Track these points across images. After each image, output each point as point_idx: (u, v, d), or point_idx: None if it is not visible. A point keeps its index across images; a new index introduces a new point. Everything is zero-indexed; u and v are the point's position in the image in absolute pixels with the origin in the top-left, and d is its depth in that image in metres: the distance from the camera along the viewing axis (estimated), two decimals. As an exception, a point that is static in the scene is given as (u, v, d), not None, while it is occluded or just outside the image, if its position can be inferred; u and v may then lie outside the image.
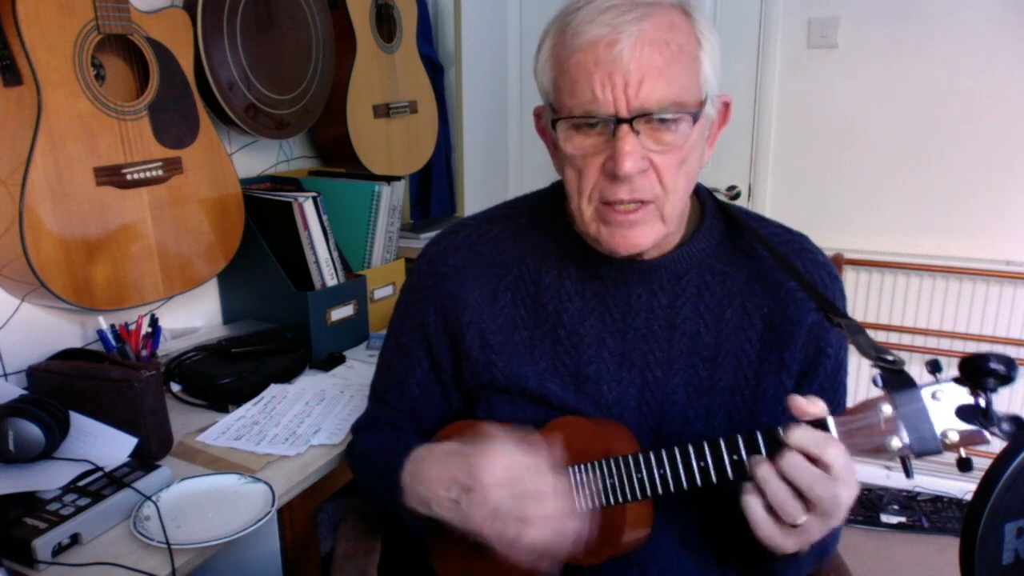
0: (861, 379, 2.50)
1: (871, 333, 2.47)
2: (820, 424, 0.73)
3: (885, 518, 2.38)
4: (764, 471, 0.72)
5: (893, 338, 2.50)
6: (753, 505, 0.73)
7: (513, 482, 0.78)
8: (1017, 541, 0.68)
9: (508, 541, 0.78)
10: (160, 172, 1.41)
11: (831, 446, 0.70)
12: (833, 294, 0.93)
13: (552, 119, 0.84)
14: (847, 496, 0.71)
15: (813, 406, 0.74)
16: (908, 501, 2.46)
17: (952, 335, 2.41)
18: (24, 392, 1.21)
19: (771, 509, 0.72)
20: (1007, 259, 2.33)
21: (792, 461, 0.71)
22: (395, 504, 0.90)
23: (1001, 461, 0.66)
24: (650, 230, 0.85)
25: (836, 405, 0.95)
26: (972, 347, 2.41)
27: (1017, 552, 0.68)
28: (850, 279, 2.49)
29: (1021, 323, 2.34)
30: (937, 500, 2.47)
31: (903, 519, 2.38)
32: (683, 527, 0.92)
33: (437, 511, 0.85)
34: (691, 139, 0.82)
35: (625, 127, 0.78)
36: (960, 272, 2.36)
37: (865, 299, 2.51)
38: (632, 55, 0.77)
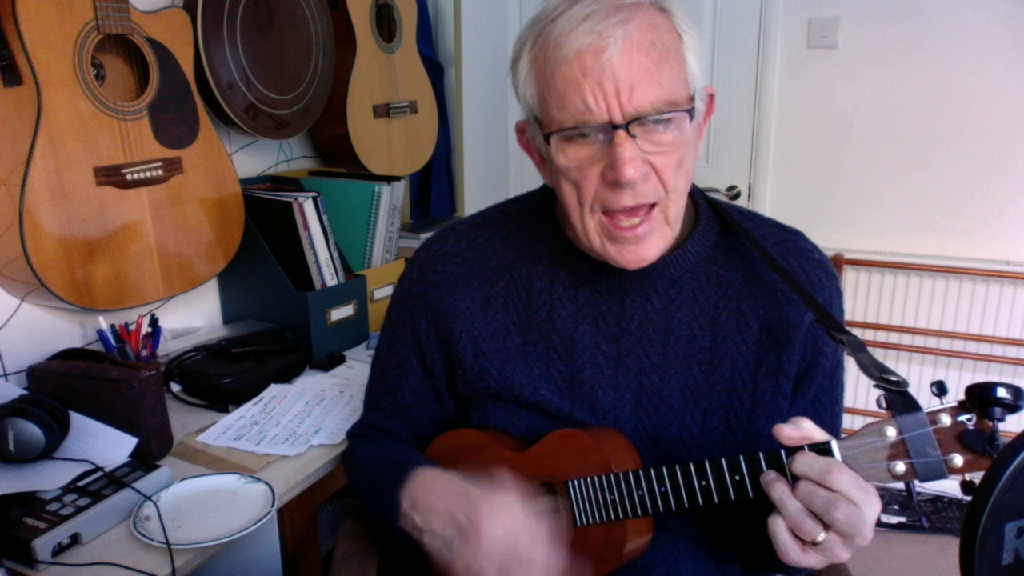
0: (861, 377, 2.50)
1: (871, 333, 2.49)
2: (824, 447, 0.73)
3: (885, 518, 2.38)
4: (780, 492, 0.72)
5: (893, 338, 2.50)
6: (779, 527, 0.72)
7: (509, 543, 0.77)
8: (1017, 541, 0.68)
9: None
10: (160, 172, 1.41)
11: (834, 472, 0.69)
12: (830, 292, 0.92)
13: (544, 134, 0.82)
14: (869, 514, 0.70)
15: (798, 429, 0.74)
16: (908, 501, 2.46)
17: (952, 335, 2.41)
18: (24, 392, 1.21)
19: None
20: (1007, 259, 2.33)
21: (804, 487, 0.71)
22: (389, 522, 0.90)
23: (1001, 461, 0.66)
24: (658, 239, 0.84)
25: (834, 402, 0.95)
26: (972, 347, 2.41)
27: (1017, 552, 0.68)
28: (850, 279, 2.49)
29: (1021, 323, 2.34)
30: (937, 500, 2.47)
31: (903, 519, 2.38)
32: (683, 533, 0.91)
33: (427, 541, 0.84)
34: (686, 136, 0.81)
35: (622, 133, 0.77)
36: (960, 272, 2.36)
37: (865, 299, 2.51)
38: (621, 61, 0.75)
